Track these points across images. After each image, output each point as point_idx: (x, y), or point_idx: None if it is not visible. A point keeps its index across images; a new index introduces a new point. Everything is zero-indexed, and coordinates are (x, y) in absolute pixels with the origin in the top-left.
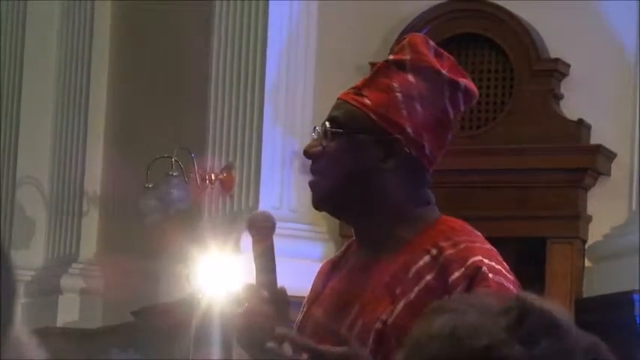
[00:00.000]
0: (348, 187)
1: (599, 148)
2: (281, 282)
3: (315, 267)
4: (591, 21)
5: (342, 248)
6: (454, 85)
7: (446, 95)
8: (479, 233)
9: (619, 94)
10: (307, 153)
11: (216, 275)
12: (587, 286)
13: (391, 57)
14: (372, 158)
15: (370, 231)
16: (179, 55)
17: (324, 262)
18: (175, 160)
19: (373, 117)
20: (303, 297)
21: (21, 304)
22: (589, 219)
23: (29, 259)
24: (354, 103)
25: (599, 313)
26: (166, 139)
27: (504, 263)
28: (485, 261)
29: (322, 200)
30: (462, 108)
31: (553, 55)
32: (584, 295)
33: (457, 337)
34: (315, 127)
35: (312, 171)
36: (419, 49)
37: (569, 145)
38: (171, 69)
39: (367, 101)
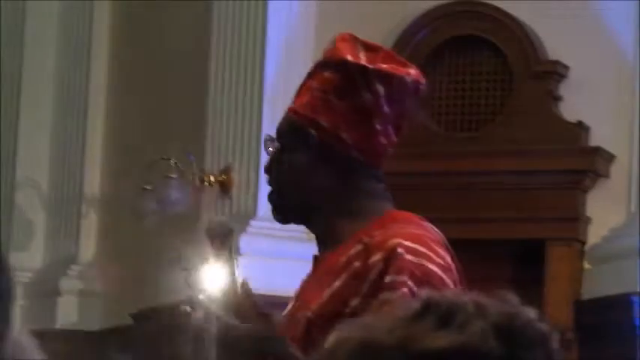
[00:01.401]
0: (289, 191)
1: (598, 150)
2: (279, 283)
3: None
4: (590, 23)
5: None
6: (363, 72)
7: (358, 83)
8: (425, 224)
9: (618, 95)
10: (264, 168)
11: (215, 278)
12: (586, 288)
13: (318, 60)
14: (302, 159)
15: (318, 230)
16: (178, 57)
17: None
18: (174, 162)
19: (295, 118)
20: None
21: (20, 305)
22: (588, 221)
23: (28, 261)
24: (288, 112)
25: (598, 315)
26: (165, 140)
27: (437, 250)
28: (405, 243)
29: (276, 211)
30: (387, 94)
31: (552, 56)
32: (583, 297)
33: (369, 338)
34: (265, 143)
35: (269, 185)
36: (336, 45)
37: (568, 146)
38: (170, 70)
39: (293, 106)
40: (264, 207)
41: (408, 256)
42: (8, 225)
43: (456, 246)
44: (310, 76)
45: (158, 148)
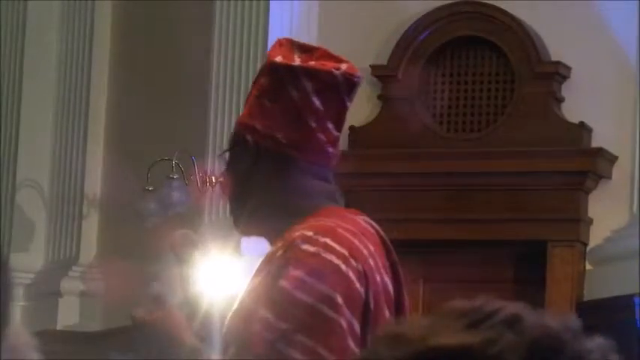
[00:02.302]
0: (236, 203)
1: (600, 151)
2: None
3: None
4: (592, 24)
5: None
6: (289, 70)
7: (286, 82)
8: (354, 217)
9: (620, 96)
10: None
11: (216, 278)
12: (588, 289)
13: None
14: (244, 165)
15: (265, 236)
16: (179, 57)
17: None
18: (176, 162)
19: (236, 127)
20: None
21: (21, 306)
22: (590, 222)
23: (29, 262)
24: (235, 123)
25: (600, 316)
26: (166, 141)
27: (350, 240)
28: (306, 233)
29: (235, 224)
30: (317, 90)
31: (554, 57)
32: (585, 299)
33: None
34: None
35: None
36: (269, 52)
37: (570, 148)
38: (171, 71)
39: (240, 117)
40: None
41: (305, 247)
42: (9, 226)
43: (459, 247)
44: (252, 87)
45: (159, 149)
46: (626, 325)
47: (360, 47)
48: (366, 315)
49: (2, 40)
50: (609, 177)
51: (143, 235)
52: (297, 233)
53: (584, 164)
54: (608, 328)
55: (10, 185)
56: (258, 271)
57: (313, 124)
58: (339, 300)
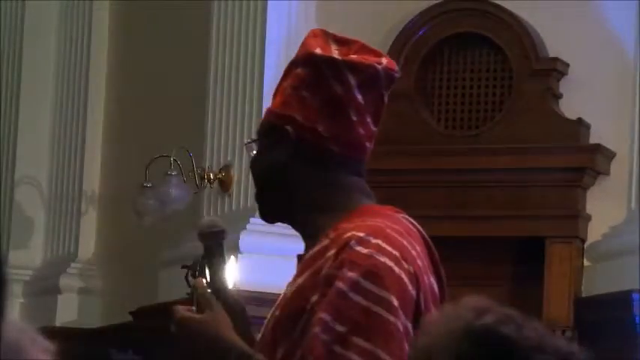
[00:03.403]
0: (268, 191)
1: (598, 148)
2: (280, 281)
3: None
4: (590, 20)
5: None
6: (332, 63)
7: (328, 75)
8: (395, 215)
9: (618, 93)
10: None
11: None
12: (587, 285)
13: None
14: (280, 157)
15: (298, 227)
16: (177, 54)
17: None
18: (174, 159)
19: (271, 117)
20: None
21: (20, 303)
22: (588, 218)
23: (28, 259)
24: (264, 112)
25: (598, 312)
26: (165, 138)
27: (399, 241)
28: (358, 234)
29: (262, 212)
30: (359, 84)
31: (552, 54)
32: (584, 295)
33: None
34: (246, 146)
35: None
36: (305, 42)
37: (569, 144)
38: (169, 68)
39: (270, 106)
40: None
41: (358, 248)
42: (8, 223)
43: (456, 244)
44: (284, 76)
45: (157, 145)
46: (625, 322)
47: None
48: (418, 317)
49: (1, 37)
50: (607, 173)
51: (142, 232)
52: (348, 234)
53: (582, 160)
54: (607, 324)
55: (9, 182)
56: (305, 267)
57: (354, 118)
58: (395, 302)
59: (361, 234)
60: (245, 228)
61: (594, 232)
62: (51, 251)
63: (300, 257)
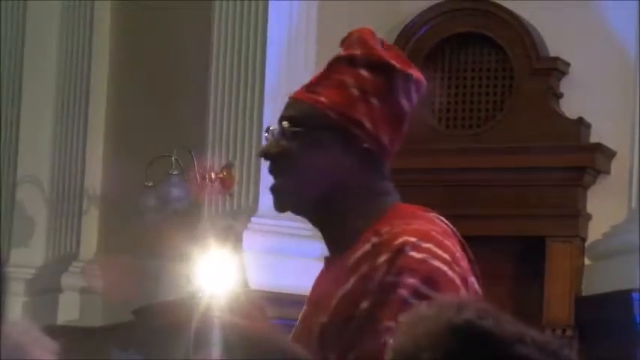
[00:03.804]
0: (308, 185)
1: (598, 147)
2: (281, 280)
3: (314, 266)
4: (591, 20)
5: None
6: (406, 78)
7: (399, 88)
8: (430, 215)
9: (619, 92)
10: (266, 154)
11: (217, 274)
12: (587, 284)
13: (342, 53)
14: (332, 155)
15: (329, 227)
16: (179, 54)
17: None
18: (175, 158)
19: (330, 114)
20: (303, 295)
21: (21, 302)
22: (588, 217)
23: (29, 258)
24: (309, 101)
25: (598, 311)
26: (166, 137)
27: (444, 244)
28: (410, 239)
29: (285, 202)
30: (415, 99)
31: (553, 53)
32: (584, 294)
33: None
34: (268, 128)
35: (273, 172)
36: (368, 44)
37: (569, 143)
38: (171, 68)
39: (322, 99)
40: (266, 204)
41: (412, 253)
42: (10, 222)
43: None
44: (336, 69)
45: (159, 145)
46: (625, 321)
47: None
48: None
49: (2, 38)
50: (608, 172)
51: (143, 231)
52: (400, 239)
53: (582, 160)
54: (607, 323)
55: (11, 181)
56: (349, 272)
57: (404, 131)
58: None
59: (413, 239)
60: (246, 227)
61: (595, 231)
62: (52, 250)
63: (328, 259)
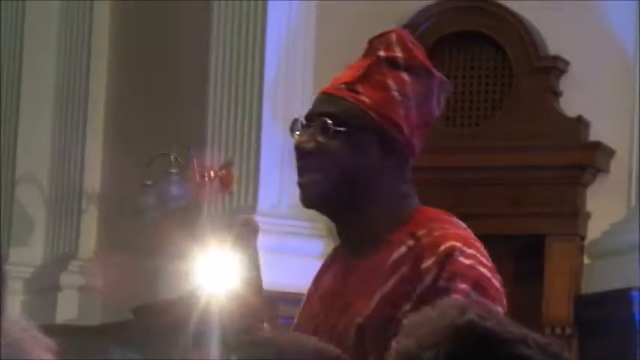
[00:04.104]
0: (344, 185)
1: (598, 145)
2: (280, 278)
3: (314, 264)
4: (591, 18)
5: (335, 247)
6: (441, 83)
7: (434, 93)
8: (455, 220)
9: (618, 91)
10: (302, 149)
11: (216, 272)
12: (586, 283)
13: (382, 53)
14: (371, 157)
15: (354, 228)
16: (178, 53)
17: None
18: (174, 157)
19: (374, 115)
20: (301, 294)
21: (20, 301)
22: (588, 216)
23: (28, 257)
24: (352, 99)
25: (598, 310)
26: (165, 136)
27: (482, 249)
28: (457, 245)
29: (317, 199)
30: (442, 104)
31: (552, 52)
32: (583, 292)
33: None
34: (298, 120)
35: (306, 168)
36: (408, 47)
37: (569, 142)
38: (169, 66)
39: (365, 99)
40: (265, 202)
41: (461, 259)
42: (9, 221)
43: None
44: (377, 69)
45: (158, 143)
46: (624, 319)
47: (358, 43)
48: None
49: (1, 37)
50: (607, 171)
51: (142, 230)
52: (447, 244)
53: (582, 158)
54: (606, 321)
55: (10, 180)
56: (387, 274)
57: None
58: (501, 312)
59: (459, 244)
60: None
61: (594, 230)
62: (51, 249)
63: (344, 258)
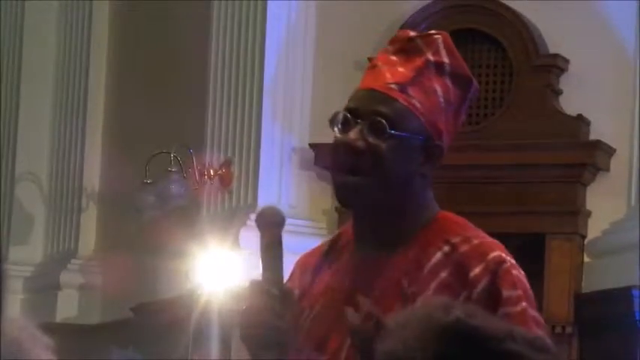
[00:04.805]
0: (388, 188)
1: (598, 144)
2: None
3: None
4: (591, 16)
5: (328, 242)
6: (475, 91)
7: (468, 103)
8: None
9: (618, 89)
10: (354, 147)
11: (215, 271)
12: (587, 281)
13: (431, 57)
14: (415, 161)
15: (376, 227)
16: (177, 52)
17: (304, 255)
18: (174, 155)
19: (423, 121)
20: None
21: (20, 299)
22: (588, 214)
23: (28, 255)
24: (404, 103)
25: (598, 308)
26: (165, 135)
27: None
28: (503, 255)
29: (363, 201)
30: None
31: (552, 50)
32: (584, 291)
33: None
34: (340, 114)
35: (355, 168)
36: (455, 53)
37: (569, 140)
38: (169, 65)
39: (417, 103)
40: (264, 201)
41: (515, 272)
42: (8, 219)
43: None
44: (427, 72)
45: (157, 142)
46: (624, 317)
47: (357, 42)
48: None
49: (1, 37)
50: (607, 169)
51: (142, 228)
52: (494, 253)
53: (582, 157)
54: (607, 320)
55: (10, 178)
56: (427, 278)
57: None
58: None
59: (504, 254)
60: (245, 224)
61: (594, 229)
62: (51, 247)
63: (359, 255)
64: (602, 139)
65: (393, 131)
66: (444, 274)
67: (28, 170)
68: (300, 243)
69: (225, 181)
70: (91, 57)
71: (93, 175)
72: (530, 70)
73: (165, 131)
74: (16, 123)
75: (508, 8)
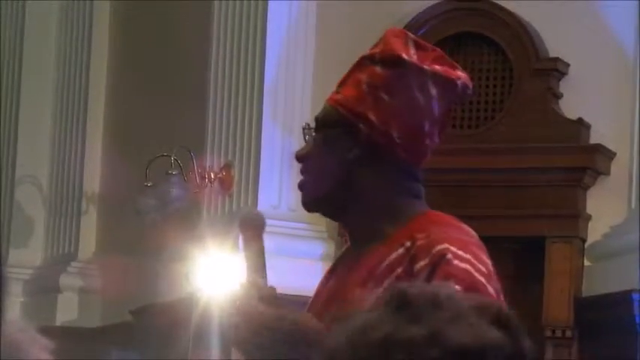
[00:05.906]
0: (328, 184)
1: (598, 148)
2: (281, 280)
3: (314, 266)
4: (591, 20)
5: (344, 247)
6: (419, 72)
7: (411, 81)
8: (464, 226)
9: (618, 93)
10: (296, 156)
11: (215, 274)
12: (587, 285)
13: (366, 52)
14: (348, 154)
15: (354, 226)
16: (178, 54)
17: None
18: (174, 158)
19: (341, 110)
20: (303, 295)
21: (20, 302)
22: (588, 218)
23: (28, 258)
24: (329, 101)
25: (598, 312)
26: (165, 137)
27: (480, 256)
28: (452, 248)
29: (309, 200)
30: (438, 96)
31: (552, 54)
32: (584, 294)
33: (356, 338)
34: (304, 130)
35: (300, 173)
36: (389, 41)
37: (569, 144)
38: (170, 68)
39: (339, 97)
40: (264, 203)
41: (456, 262)
42: (8, 222)
43: None
44: (358, 68)
45: (158, 145)
46: (625, 321)
47: (358, 44)
48: None
49: (1, 37)
50: (607, 173)
51: (142, 231)
52: (441, 246)
53: (582, 160)
54: (607, 323)
55: (10, 181)
56: (382, 275)
57: (426, 129)
58: None
59: (453, 248)
60: None
61: (594, 232)
62: (51, 250)
63: (345, 254)
64: (603, 143)
65: (313, 129)
66: (399, 269)
67: (28, 173)
68: (300, 246)
69: (225, 184)
70: (91, 59)
71: (93, 178)
72: (531, 74)
73: (166, 134)
74: (16, 126)
75: (508, 12)
